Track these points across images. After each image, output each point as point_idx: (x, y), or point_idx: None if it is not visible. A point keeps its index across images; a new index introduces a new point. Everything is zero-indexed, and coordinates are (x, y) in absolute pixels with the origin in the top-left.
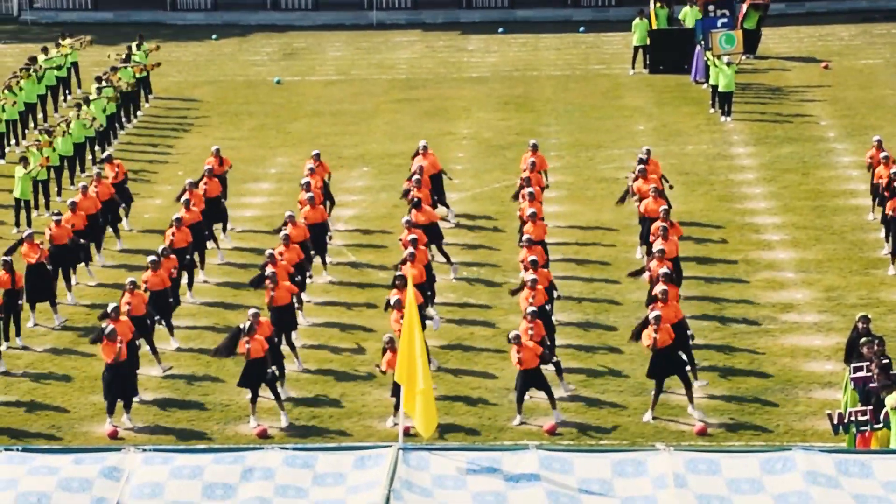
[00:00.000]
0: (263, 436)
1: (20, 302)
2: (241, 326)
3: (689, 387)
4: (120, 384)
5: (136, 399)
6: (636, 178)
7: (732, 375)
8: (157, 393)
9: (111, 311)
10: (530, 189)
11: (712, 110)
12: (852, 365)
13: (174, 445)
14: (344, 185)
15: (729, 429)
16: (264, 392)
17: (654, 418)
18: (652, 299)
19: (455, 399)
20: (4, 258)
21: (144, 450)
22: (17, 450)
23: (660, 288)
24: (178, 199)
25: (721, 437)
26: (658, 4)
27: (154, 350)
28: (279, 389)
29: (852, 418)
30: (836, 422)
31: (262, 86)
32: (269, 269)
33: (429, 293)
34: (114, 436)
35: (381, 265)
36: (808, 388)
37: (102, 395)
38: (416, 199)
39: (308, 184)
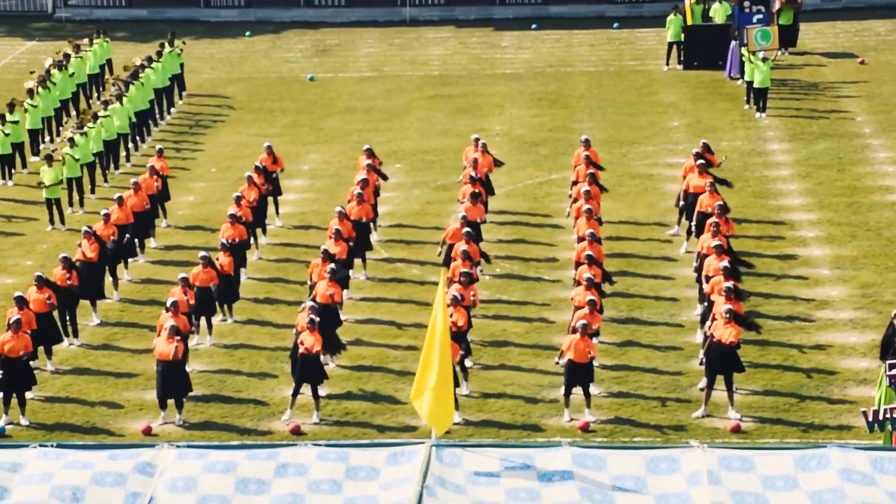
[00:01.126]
0: (297, 432)
1: (79, 299)
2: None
3: (731, 388)
4: (170, 382)
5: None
6: (690, 172)
7: (767, 371)
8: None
9: (170, 306)
10: (587, 187)
11: (747, 106)
12: (888, 362)
13: (207, 442)
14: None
15: (763, 425)
16: (304, 388)
17: (704, 416)
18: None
19: (488, 395)
20: (64, 255)
21: (178, 446)
22: (52, 446)
23: (727, 284)
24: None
25: (755, 434)
26: (693, 0)
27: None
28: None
29: (887, 416)
30: (871, 419)
31: (296, 82)
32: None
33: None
34: (147, 432)
35: (416, 260)
36: (843, 385)
37: (156, 393)
38: (475, 192)
39: (364, 181)
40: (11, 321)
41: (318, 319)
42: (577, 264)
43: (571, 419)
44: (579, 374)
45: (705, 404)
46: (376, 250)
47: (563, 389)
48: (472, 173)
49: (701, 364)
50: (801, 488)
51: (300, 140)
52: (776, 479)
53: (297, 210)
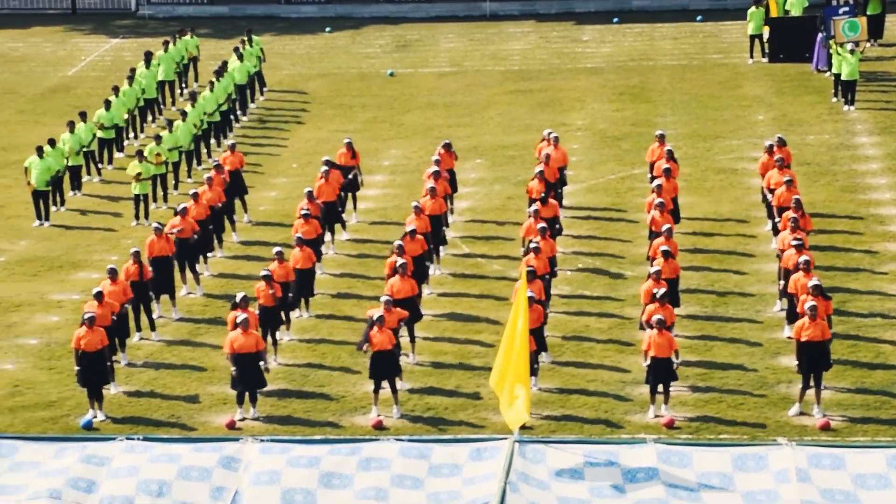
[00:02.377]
0: (379, 427)
1: (150, 293)
2: (373, 317)
3: (819, 385)
4: (246, 376)
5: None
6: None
7: (857, 369)
8: (273, 384)
9: (239, 301)
10: (658, 181)
11: (835, 99)
12: None
13: (290, 436)
14: (457, 176)
15: (853, 424)
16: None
17: (799, 414)
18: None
19: (571, 392)
20: (134, 250)
21: (262, 440)
22: (138, 439)
23: (813, 282)
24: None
25: (845, 433)
26: None
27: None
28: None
29: None
30: None
31: (376, 78)
32: (400, 261)
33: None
34: (232, 426)
35: (496, 255)
36: None
37: (230, 386)
38: (542, 196)
39: (437, 172)
40: (86, 317)
41: (385, 317)
42: (652, 259)
43: (657, 416)
44: (661, 369)
45: (799, 401)
46: (456, 245)
47: (647, 386)
48: (540, 169)
49: (796, 367)
50: (895, 487)
51: (380, 136)
52: (868, 478)
53: (377, 206)
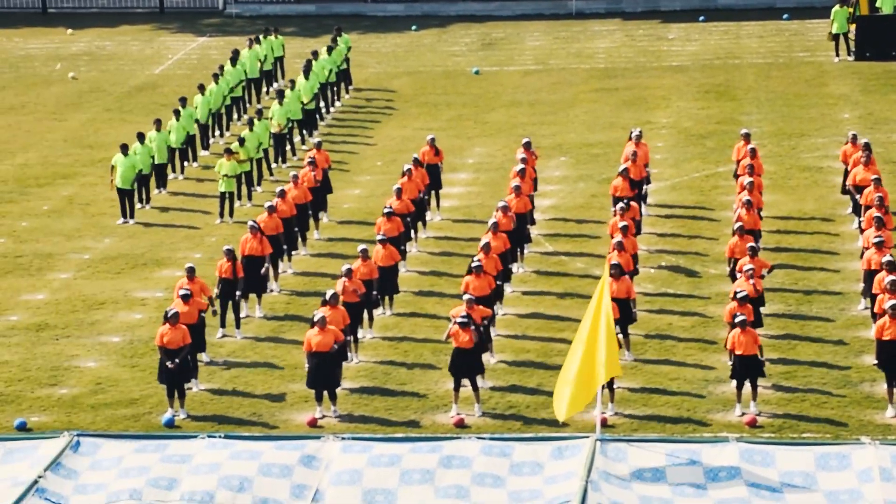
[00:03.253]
0: (461, 425)
1: (238, 293)
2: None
3: (892, 384)
4: (323, 374)
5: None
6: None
7: None
8: (354, 381)
9: (329, 298)
10: (750, 178)
11: None
12: None
13: (371, 434)
14: (542, 174)
15: None
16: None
17: (895, 415)
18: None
19: (654, 391)
20: (227, 248)
21: (343, 438)
22: (220, 436)
23: (890, 279)
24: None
25: None
26: None
27: (356, 338)
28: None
29: None
30: None
31: (461, 76)
32: (477, 261)
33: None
34: (313, 424)
35: (579, 253)
36: None
37: (306, 384)
38: (628, 200)
39: (523, 171)
40: (170, 314)
41: (470, 317)
42: (731, 259)
43: (743, 413)
44: (746, 366)
45: (891, 403)
46: (540, 243)
47: (732, 384)
48: (624, 167)
49: (878, 364)
50: None
51: (465, 134)
52: None
53: (461, 203)
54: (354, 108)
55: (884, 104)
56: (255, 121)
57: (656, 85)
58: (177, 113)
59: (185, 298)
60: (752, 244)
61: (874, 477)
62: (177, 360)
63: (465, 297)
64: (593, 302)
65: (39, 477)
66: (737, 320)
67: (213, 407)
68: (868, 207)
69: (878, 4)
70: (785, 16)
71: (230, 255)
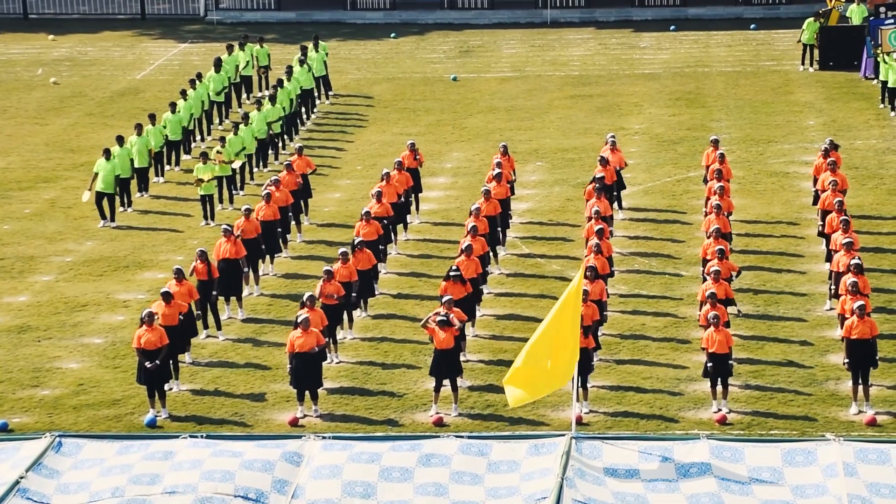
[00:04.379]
0: (440, 424)
1: (214, 293)
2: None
3: (866, 383)
4: (306, 374)
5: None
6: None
7: None
8: (335, 382)
9: (307, 300)
10: (720, 183)
11: (882, 106)
12: None
13: (352, 433)
14: (518, 179)
15: None
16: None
17: (858, 412)
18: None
19: (627, 389)
20: (200, 250)
21: (324, 437)
22: (202, 436)
23: (851, 280)
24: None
25: (891, 428)
26: (839, 1)
27: (335, 340)
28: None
29: None
30: None
31: (439, 82)
32: (455, 268)
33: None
34: (294, 423)
35: (555, 256)
36: None
37: (290, 384)
38: (598, 188)
39: (499, 175)
40: (144, 315)
41: (451, 317)
42: (705, 261)
43: (719, 409)
44: (719, 365)
45: (855, 401)
46: (516, 246)
47: (704, 382)
48: (597, 174)
49: (844, 364)
50: None
51: (443, 139)
52: None
53: (439, 207)
54: (335, 113)
55: (846, 112)
56: (242, 125)
57: (629, 92)
58: (153, 118)
59: (167, 298)
60: (721, 247)
61: (838, 472)
62: (156, 362)
63: (445, 298)
64: (563, 300)
65: (21, 477)
66: (709, 317)
67: (196, 407)
68: (827, 212)
69: (847, 14)
70: (752, 26)
71: (203, 256)
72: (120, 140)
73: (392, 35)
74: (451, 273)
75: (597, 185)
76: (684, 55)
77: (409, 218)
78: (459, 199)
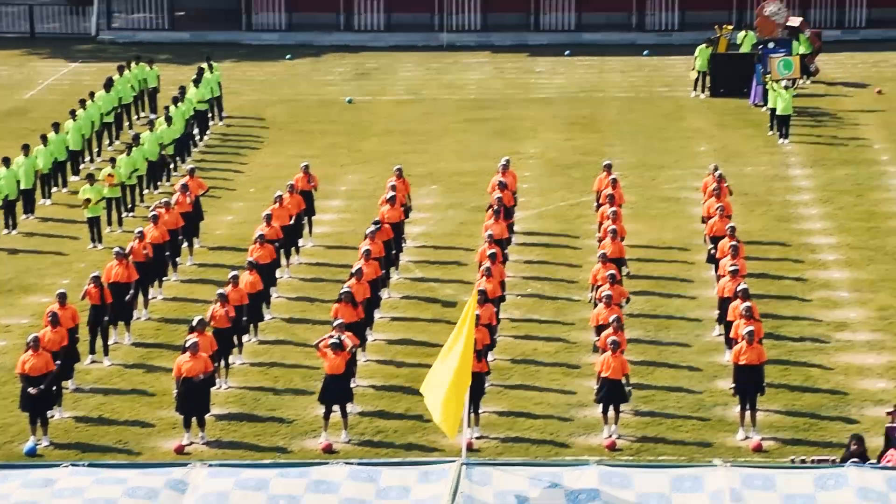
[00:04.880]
0: (329, 451)
1: (106, 318)
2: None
3: (754, 408)
4: (193, 400)
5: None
6: (710, 197)
7: (788, 392)
8: (224, 408)
9: (196, 324)
10: (613, 208)
11: (770, 133)
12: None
13: (240, 460)
14: (413, 202)
15: (784, 445)
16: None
17: (745, 438)
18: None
19: (518, 414)
20: (94, 274)
21: (210, 464)
22: (84, 464)
23: (744, 305)
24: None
25: (776, 454)
26: (727, 28)
27: (227, 364)
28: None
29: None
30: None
31: (335, 105)
32: (347, 287)
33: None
34: (180, 451)
35: (449, 280)
36: (860, 405)
37: (176, 409)
38: (497, 209)
39: (392, 198)
40: (30, 340)
41: (343, 340)
42: (595, 286)
43: (610, 435)
44: (613, 391)
45: (742, 426)
46: (409, 269)
47: (595, 408)
48: (496, 196)
49: (731, 389)
50: None
51: (338, 161)
52: (796, 498)
53: (332, 230)
54: (227, 135)
55: (736, 138)
56: (133, 147)
57: (524, 116)
58: (44, 139)
59: (54, 321)
60: (612, 272)
61: (725, 498)
62: (41, 387)
63: (336, 322)
64: (461, 326)
65: None
66: (608, 342)
67: (78, 434)
68: (716, 238)
69: (738, 42)
70: (645, 52)
71: (96, 281)
72: (6, 161)
73: (288, 56)
74: (342, 294)
75: (494, 208)
76: (579, 80)
77: (301, 241)
78: (354, 223)
